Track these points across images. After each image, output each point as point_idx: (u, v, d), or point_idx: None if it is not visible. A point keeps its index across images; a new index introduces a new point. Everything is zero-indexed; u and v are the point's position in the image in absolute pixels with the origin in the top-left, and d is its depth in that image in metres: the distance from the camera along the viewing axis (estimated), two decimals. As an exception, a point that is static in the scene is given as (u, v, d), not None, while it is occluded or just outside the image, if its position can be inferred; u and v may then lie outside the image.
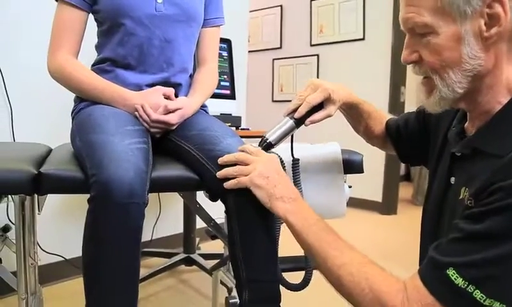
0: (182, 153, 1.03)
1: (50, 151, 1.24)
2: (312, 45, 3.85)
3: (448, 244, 0.60)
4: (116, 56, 1.12)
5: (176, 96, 1.16)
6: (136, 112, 1.04)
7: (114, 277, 0.82)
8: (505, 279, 0.54)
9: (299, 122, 0.90)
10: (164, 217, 2.32)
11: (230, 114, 2.08)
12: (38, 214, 0.95)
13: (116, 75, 1.12)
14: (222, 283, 1.72)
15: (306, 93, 0.90)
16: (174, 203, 2.38)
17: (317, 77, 3.85)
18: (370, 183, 3.40)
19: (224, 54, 2.20)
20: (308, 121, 0.90)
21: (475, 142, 0.68)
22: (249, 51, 2.88)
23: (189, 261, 2.06)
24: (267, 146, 0.90)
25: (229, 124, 1.98)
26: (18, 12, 1.71)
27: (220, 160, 0.89)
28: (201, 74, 1.24)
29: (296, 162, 0.99)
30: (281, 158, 1.09)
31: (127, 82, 1.11)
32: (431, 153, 0.88)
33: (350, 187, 1.30)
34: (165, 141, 1.09)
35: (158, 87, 1.10)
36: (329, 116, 0.91)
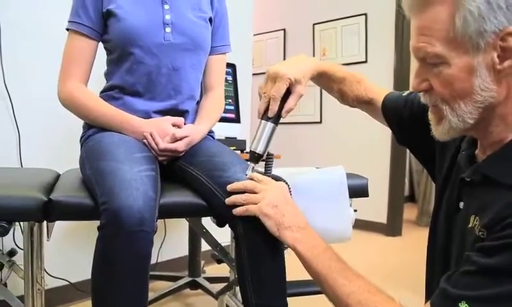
0: (190, 179, 1.04)
1: (58, 176, 1.26)
2: (315, 66, 3.90)
3: (460, 276, 0.61)
4: (125, 84, 1.15)
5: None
6: (145, 140, 1.06)
7: (123, 304, 0.82)
8: None
9: (277, 119, 0.88)
10: (169, 240, 2.31)
11: (235, 138, 2.10)
12: (47, 240, 0.95)
13: (124, 102, 1.15)
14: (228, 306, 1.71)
15: (268, 88, 0.87)
16: (179, 226, 2.38)
17: (321, 102, 3.88)
18: (374, 204, 3.39)
19: (229, 78, 2.23)
20: (284, 113, 0.87)
21: (485, 170, 0.67)
22: (253, 74, 2.92)
23: (194, 285, 2.05)
24: (258, 158, 0.89)
25: (234, 147, 2.00)
26: (27, 38, 1.75)
27: (229, 187, 0.90)
28: (208, 101, 1.26)
29: (270, 155, 0.96)
30: (285, 182, 1.11)
31: (135, 109, 1.14)
32: (438, 168, 0.86)
33: (355, 210, 1.31)
34: (173, 167, 1.10)
35: (167, 117, 1.12)
36: (301, 95, 0.88)
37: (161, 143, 1.04)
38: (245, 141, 2.12)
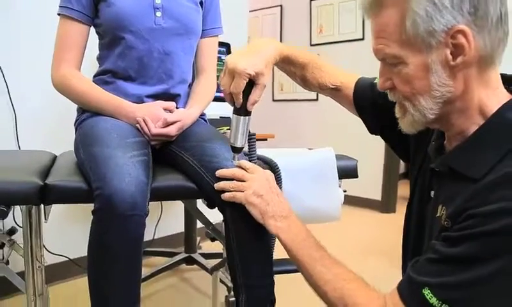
0: (181, 164, 1.07)
1: (54, 158, 1.29)
2: (311, 45, 3.88)
3: (425, 263, 0.64)
4: (117, 68, 1.17)
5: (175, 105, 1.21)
6: (137, 125, 1.09)
7: (117, 282, 0.87)
8: (476, 300, 0.58)
9: (245, 111, 0.86)
10: (165, 217, 2.37)
11: (229, 117, 2.11)
12: (45, 222, 0.99)
13: (117, 87, 1.17)
14: (222, 281, 1.77)
15: (226, 82, 0.84)
16: (175, 204, 2.43)
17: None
18: (369, 181, 3.44)
19: (224, 57, 2.24)
20: (249, 106, 0.85)
21: (451, 162, 0.70)
22: None
23: (190, 261, 2.12)
24: (239, 151, 0.91)
25: (228, 128, 2.02)
26: (19, 13, 1.75)
27: (218, 173, 0.93)
28: (200, 84, 1.28)
29: (252, 136, 0.97)
30: (276, 165, 1.15)
31: (128, 93, 1.16)
32: (412, 158, 0.89)
33: (345, 191, 1.35)
34: (165, 151, 1.13)
35: (159, 101, 1.14)
36: (265, 86, 0.85)
37: (153, 128, 1.07)
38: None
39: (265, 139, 2.13)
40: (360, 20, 3.52)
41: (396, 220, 3.39)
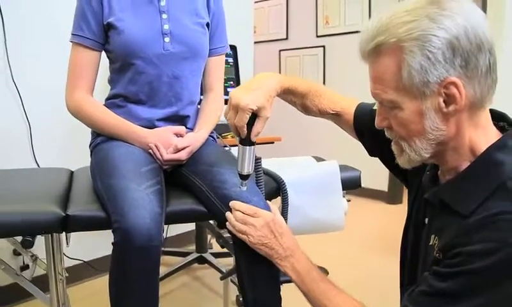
0: (192, 186, 1.13)
1: (71, 176, 1.35)
2: (318, 36, 3.87)
3: (418, 294, 0.71)
4: (128, 93, 1.21)
5: (185, 125, 1.26)
6: (150, 150, 1.14)
7: (136, 304, 0.94)
8: None
9: (250, 142, 0.91)
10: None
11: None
12: (67, 247, 1.06)
13: (128, 110, 1.22)
14: (232, 281, 1.85)
15: (231, 116, 0.89)
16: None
17: (324, 69, 3.88)
18: (376, 172, 3.45)
19: (230, 60, 2.26)
20: (253, 136, 0.90)
21: (442, 195, 0.75)
22: (255, 42, 2.92)
23: (201, 260, 2.19)
24: (246, 178, 0.96)
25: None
26: (32, 33, 1.80)
27: (230, 204, 0.99)
28: (208, 103, 1.32)
29: (258, 161, 1.04)
30: (282, 181, 1.20)
31: (139, 117, 1.21)
32: (410, 182, 0.94)
33: (349, 200, 1.40)
34: (176, 173, 1.18)
35: (169, 126, 1.19)
36: (267, 118, 0.90)
37: (165, 154, 1.12)
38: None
39: (272, 142, 2.16)
40: (366, 10, 3.50)
41: (403, 211, 3.41)
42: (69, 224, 0.97)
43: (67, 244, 1.03)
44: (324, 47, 3.83)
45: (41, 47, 1.83)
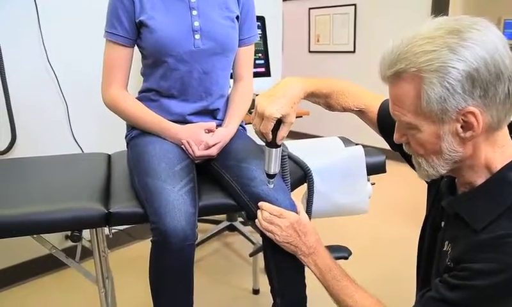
0: (221, 180, 1.19)
1: (109, 161, 1.44)
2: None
3: (428, 299, 0.76)
4: (160, 88, 1.25)
5: (214, 118, 1.31)
6: (182, 146, 1.20)
7: (173, 298, 1.05)
8: None
9: (276, 145, 0.95)
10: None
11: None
12: (110, 237, 1.16)
13: (161, 104, 1.27)
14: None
15: (257, 122, 0.92)
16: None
17: (354, 31, 3.75)
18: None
19: (258, 31, 2.24)
20: (278, 141, 0.93)
21: (457, 208, 0.78)
22: (283, 0, 2.86)
23: (231, 229, 2.31)
24: (273, 177, 1.00)
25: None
26: (65, 19, 1.84)
27: (257, 214, 1.06)
28: (237, 93, 1.35)
29: (284, 159, 1.11)
30: (308, 168, 1.24)
31: (171, 111, 1.26)
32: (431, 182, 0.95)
33: (373, 184, 1.43)
34: (207, 167, 1.25)
35: (200, 123, 1.24)
36: (292, 123, 0.92)
37: (197, 151, 1.18)
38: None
39: (301, 116, 2.17)
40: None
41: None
42: (111, 219, 1.07)
43: (110, 233, 1.13)
44: (355, 5, 3.68)
45: (74, 29, 1.87)
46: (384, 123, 1.03)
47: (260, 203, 1.05)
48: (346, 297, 0.92)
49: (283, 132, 0.93)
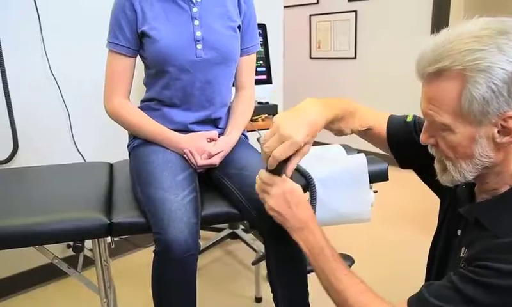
0: (223, 188, 1.19)
1: (111, 170, 1.44)
2: (349, 1, 3.73)
3: (438, 287, 0.73)
4: (163, 97, 1.26)
5: (216, 127, 1.31)
6: (185, 155, 1.20)
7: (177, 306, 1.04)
8: None
9: (280, 174, 0.87)
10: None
11: (267, 103, 2.17)
12: (112, 247, 1.16)
13: (163, 114, 1.27)
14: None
15: (272, 144, 0.82)
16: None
17: (355, 37, 3.76)
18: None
19: (260, 39, 2.24)
20: (288, 172, 0.87)
21: (477, 214, 0.76)
22: (285, 6, 2.86)
23: (233, 236, 2.30)
24: None
25: (265, 115, 2.10)
26: (66, 26, 1.85)
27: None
28: (239, 102, 1.35)
29: (312, 187, 1.11)
30: (310, 177, 1.23)
31: (174, 120, 1.26)
32: (443, 191, 0.93)
33: (376, 191, 1.42)
34: (209, 175, 1.25)
35: (202, 132, 1.24)
36: (305, 154, 0.85)
37: (199, 160, 1.18)
38: (277, 106, 2.19)
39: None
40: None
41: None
42: (114, 230, 1.07)
43: (112, 243, 1.13)
44: (356, 11, 3.69)
45: (76, 38, 1.88)
46: (394, 136, 1.01)
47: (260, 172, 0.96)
48: (336, 280, 0.82)
49: (295, 161, 0.84)
